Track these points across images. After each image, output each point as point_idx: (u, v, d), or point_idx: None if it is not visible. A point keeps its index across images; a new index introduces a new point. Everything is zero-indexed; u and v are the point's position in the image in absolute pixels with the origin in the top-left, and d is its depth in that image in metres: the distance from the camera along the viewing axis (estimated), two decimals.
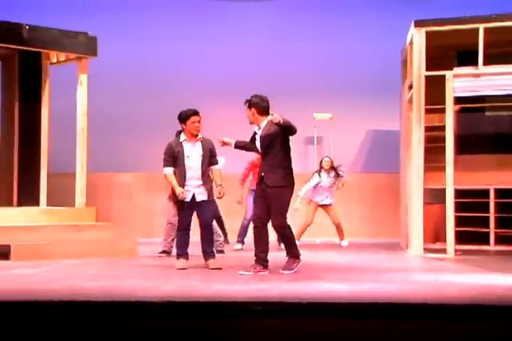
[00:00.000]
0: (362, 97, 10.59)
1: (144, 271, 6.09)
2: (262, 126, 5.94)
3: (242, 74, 10.59)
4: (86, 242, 7.38)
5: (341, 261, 7.19)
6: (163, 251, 7.56)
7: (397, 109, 9.90)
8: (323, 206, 9.00)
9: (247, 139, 6.13)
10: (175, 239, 6.86)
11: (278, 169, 5.82)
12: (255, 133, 6.04)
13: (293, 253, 5.97)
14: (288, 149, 5.92)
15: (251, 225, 6.67)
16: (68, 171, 8.82)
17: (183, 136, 6.24)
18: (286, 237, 5.94)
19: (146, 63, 10.73)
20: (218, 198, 6.42)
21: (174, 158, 6.17)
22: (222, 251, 7.62)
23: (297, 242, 8.73)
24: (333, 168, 8.98)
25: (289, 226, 5.91)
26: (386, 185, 10.48)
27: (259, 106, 5.91)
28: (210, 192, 6.26)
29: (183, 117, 6.17)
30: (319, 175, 8.92)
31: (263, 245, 5.85)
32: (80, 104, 8.37)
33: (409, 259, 7.53)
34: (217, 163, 6.38)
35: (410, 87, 8.26)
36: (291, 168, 5.90)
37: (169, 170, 6.22)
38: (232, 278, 5.54)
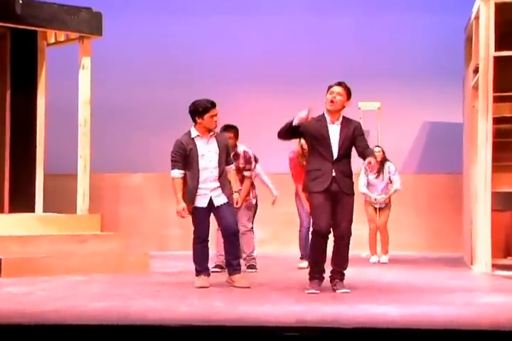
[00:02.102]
0: (416, 83, 10.52)
1: (157, 289, 6.13)
2: (338, 121, 6.02)
3: (276, 56, 10.59)
4: (89, 255, 7.45)
5: (392, 278, 7.17)
6: (251, 266, 7.63)
7: (459, 96, 9.83)
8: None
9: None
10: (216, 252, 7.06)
11: (350, 177, 6.06)
12: (323, 123, 5.97)
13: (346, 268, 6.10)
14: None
15: None
16: (68, 171, 8.90)
17: (194, 131, 6.24)
18: (348, 251, 6.07)
19: (161, 44, 10.79)
20: (235, 208, 6.46)
21: (185, 157, 6.18)
22: (253, 266, 7.65)
23: (375, 259, 8.83)
24: (385, 161, 9.00)
25: None
26: (446, 188, 10.40)
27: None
28: (230, 193, 6.28)
29: (201, 110, 6.15)
30: (365, 169, 8.96)
31: (323, 257, 6.01)
32: (82, 91, 8.44)
33: (475, 277, 7.50)
34: (232, 163, 6.41)
35: (476, 71, 8.19)
36: None
37: (177, 174, 6.22)
38: (262, 298, 5.56)
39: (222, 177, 6.25)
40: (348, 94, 6.02)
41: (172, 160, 6.23)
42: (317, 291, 5.86)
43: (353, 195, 6.04)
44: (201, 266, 6.30)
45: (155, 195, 10.68)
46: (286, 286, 6.37)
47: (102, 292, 5.99)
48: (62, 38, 8.81)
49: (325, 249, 5.96)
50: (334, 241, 6.02)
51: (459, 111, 9.91)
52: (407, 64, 10.63)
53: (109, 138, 10.50)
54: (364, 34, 10.83)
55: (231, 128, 7.46)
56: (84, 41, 8.47)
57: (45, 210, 8.71)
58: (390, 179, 9.00)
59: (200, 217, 6.24)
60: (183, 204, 6.18)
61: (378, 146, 9.14)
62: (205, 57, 10.77)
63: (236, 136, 7.49)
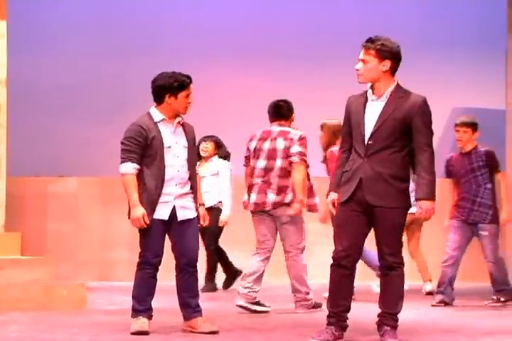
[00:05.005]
0: (444, 58, 10.60)
1: (98, 332, 6.09)
2: (383, 96, 5.62)
3: (262, 20, 10.61)
4: (5, 287, 7.39)
5: (416, 317, 7.14)
6: (257, 303, 7.36)
7: (501, 75, 9.87)
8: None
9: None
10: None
11: (396, 181, 5.63)
12: (361, 100, 5.64)
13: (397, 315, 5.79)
14: (409, 152, 5.70)
15: None
16: None
17: (158, 114, 6.10)
18: (402, 285, 5.76)
19: (104, 4, 10.76)
20: (201, 225, 6.30)
21: (143, 148, 6.02)
22: (259, 303, 7.41)
23: (429, 286, 8.98)
24: None
25: None
26: None
27: (398, 58, 5.61)
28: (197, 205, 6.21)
29: (177, 86, 6.04)
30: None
31: (347, 298, 5.75)
32: None
33: None
34: (196, 163, 6.46)
35: None
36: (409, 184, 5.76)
37: (131, 169, 6.03)
38: None
39: (192, 180, 6.14)
40: (380, 54, 5.53)
41: (124, 150, 6.01)
42: None
43: (399, 208, 5.64)
44: (142, 304, 6.07)
45: (95, 205, 10.64)
46: (293, 326, 6.36)
47: (23, 336, 5.93)
48: None
49: (344, 283, 5.69)
50: (381, 273, 5.78)
51: (500, 94, 9.95)
52: (431, 33, 10.70)
53: (33, 131, 10.45)
54: None
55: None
56: None
57: None
58: None
59: (155, 233, 6.06)
60: (142, 210, 5.97)
61: None
62: (168, 20, 10.77)
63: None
